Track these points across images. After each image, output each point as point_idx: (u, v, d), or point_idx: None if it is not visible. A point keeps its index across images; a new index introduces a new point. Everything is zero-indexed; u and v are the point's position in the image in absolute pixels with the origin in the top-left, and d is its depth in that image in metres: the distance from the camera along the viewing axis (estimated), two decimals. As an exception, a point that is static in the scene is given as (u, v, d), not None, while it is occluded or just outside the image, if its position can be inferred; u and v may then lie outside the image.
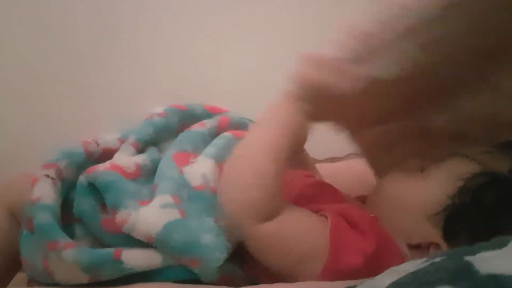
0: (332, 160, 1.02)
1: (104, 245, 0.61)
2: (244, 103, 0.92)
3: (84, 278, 0.57)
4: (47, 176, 0.62)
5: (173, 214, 0.59)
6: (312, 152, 0.88)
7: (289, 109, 0.63)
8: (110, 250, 0.58)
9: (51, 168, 0.63)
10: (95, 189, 0.61)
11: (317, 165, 0.87)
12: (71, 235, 0.62)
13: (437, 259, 0.42)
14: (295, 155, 0.65)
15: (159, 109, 0.77)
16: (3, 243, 0.66)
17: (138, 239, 0.58)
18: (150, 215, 0.58)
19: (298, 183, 0.71)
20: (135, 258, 0.58)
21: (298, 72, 0.63)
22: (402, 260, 0.59)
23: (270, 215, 0.57)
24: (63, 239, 0.58)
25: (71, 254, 0.56)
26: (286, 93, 0.64)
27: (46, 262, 0.58)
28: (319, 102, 0.63)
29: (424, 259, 0.44)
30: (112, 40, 1.04)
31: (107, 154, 0.70)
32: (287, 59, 1.01)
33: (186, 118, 0.78)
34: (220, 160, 0.67)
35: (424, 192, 0.62)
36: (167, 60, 1.04)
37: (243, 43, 1.03)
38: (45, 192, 0.61)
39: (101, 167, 0.63)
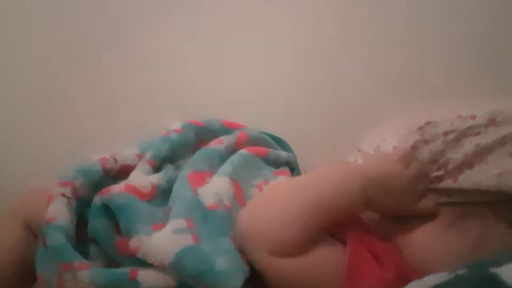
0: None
1: (119, 265, 0.60)
2: (260, 116, 0.93)
3: None
4: (63, 195, 0.62)
5: (186, 240, 0.57)
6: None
7: (356, 181, 0.61)
8: (126, 270, 0.58)
9: (67, 187, 0.63)
10: (110, 210, 0.61)
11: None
12: (86, 253, 0.62)
13: (461, 272, 0.40)
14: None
15: (176, 125, 0.77)
16: (18, 255, 0.66)
17: None
18: (162, 242, 0.57)
19: None
20: (151, 279, 0.57)
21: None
22: None
23: (294, 253, 0.56)
24: (78, 260, 0.58)
25: (87, 275, 0.56)
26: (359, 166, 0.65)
27: (61, 282, 0.58)
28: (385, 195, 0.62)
29: (448, 272, 0.42)
30: (129, 54, 1.03)
31: (125, 171, 0.69)
32: (303, 72, 1.06)
33: (203, 134, 0.77)
34: (235, 178, 0.67)
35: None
36: (184, 74, 1.02)
37: (259, 58, 1.02)
38: (60, 212, 0.61)
39: (116, 188, 0.62)
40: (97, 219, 0.61)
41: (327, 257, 0.58)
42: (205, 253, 0.57)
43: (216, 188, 0.64)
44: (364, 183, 0.60)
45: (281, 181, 0.73)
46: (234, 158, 0.71)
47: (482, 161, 0.61)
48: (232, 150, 0.75)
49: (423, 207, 0.63)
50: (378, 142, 0.68)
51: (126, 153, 0.73)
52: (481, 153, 0.61)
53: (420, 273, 0.56)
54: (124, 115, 1.02)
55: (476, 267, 0.40)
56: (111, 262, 0.61)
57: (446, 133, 0.62)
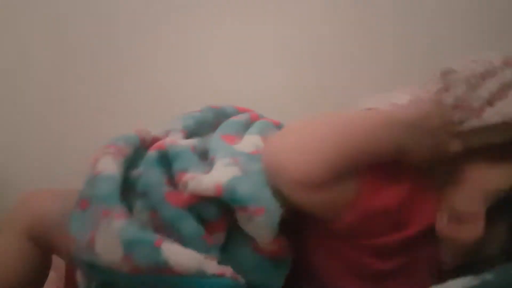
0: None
1: (160, 225, 0.62)
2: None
3: (119, 253, 0.58)
4: (108, 153, 0.65)
5: (236, 171, 0.62)
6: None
7: (390, 125, 0.60)
8: (155, 236, 0.60)
9: (110, 148, 0.66)
10: (164, 163, 0.64)
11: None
12: (130, 210, 0.64)
13: (488, 277, 0.43)
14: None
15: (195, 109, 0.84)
16: (16, 273, 0.66)
17: (189, 231, 0.61)
18: (214, 172, 0.61)
19: None
20: (174, 252, 0.59)
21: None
22: (433, 214, 0.61)
23: (321, 189, 0.58)
24: (119, 207, 0.60)
25: (119, 225, 0.58)
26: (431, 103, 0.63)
27: (93, 233, 0.60)
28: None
29: (473, 276, 0.45)
30: (134, 57, 1.08)
31: (155, 144, 0.72)
32: (309, 73, 1.07)
33: (220, 115, 0.84)
34: (264, 135, 0.72)
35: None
36: (189, 77, 1.09)
37: (264, 59, 1.08)
38: (108, 166, 0.63)
39: (168, 141, 0.67)
40: (151, 170, 0.64)
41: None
42: (255, 180, 0.61)
43: (252, 141, 0.70)
44: (398, 128, 0.60)
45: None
46: (257, 123, 0.78)
47: (503, 97, 0.61)
48: (250, 123, 0.80)
49: (454, 149, 0.61)
50: (391, 100, 0.67)
51: (156, 130, 0.77)
52: (503, 90, 0.61)
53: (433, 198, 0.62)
54: (129, 116, 1.08)
55: (503, 272, 0.42)
56: (150, 223, 0.63)
57: (467, 77, 0.62)
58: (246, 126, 0.79)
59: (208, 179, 0.61)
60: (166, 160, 0.65)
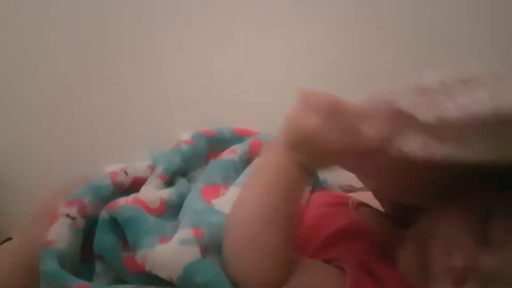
0: (350, 188, 0.96)
1: (126, 283, 0.57)
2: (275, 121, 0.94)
3: None
4: (67, 215, 0.59)
5: (193, 253, 0.54)
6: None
7: (281, 161, 0.53)
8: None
9: (73, 206, 0.60)
10: (117, 225, 0.58)
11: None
12: (93, 271, 0.59)
13: None
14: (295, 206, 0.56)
15: (186, 136, 0.74)
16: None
17: (162, 278, 0.54)
18: (168, 255, 0.54)
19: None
20: None
21: (289, 116, 0.54)
22: None
23: (285, 279, 0.52)
24: (75, 283, 0.54)
25: None
26: (277, 140, 0.55)
27: None
28: (314, 154, 0.53)
29: None
30: (143, 62, 1.03)
31: (137, 184, 0.66)
32: (318, 78, 1.05)
33: (214, 143, 0.74)
34: None
35: None
36: (195, 81, 1.03)
37: (272, 64, 1.02)
38: (61, 236, 0.57)
39: (123, 201, 0.60)
40: (104, 234, 0.58)
41: (322, 278, 0.53)
42: (214, 265, 0.53)
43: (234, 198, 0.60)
44: (286, 154, 0.52)
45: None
46: (250, 169, 0.67)
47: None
48: (246, 159, 0.71)
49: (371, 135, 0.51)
50: None
51: (138, 165, 0.70)
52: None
53: None
54: (137, 121, 1.03)
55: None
56: (119, 279, 0.58)
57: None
58: (240, 166, 0.69)
59: (160, 265, 0.54)
60: (119, 224, 0.58)
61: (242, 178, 0.65)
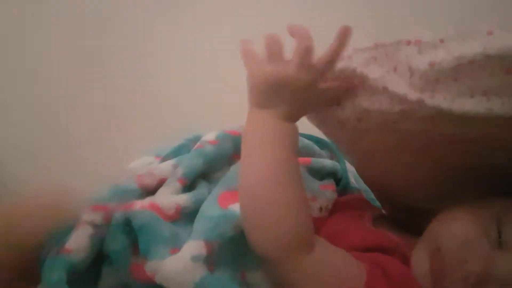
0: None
1: None
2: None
3: None
4: (91, 223, 0.58)
5: (204, 269, 0.53)
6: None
7: (267, 122, 0.56)
8: None
9: (98, 212, 0.60)
10: (131, 228, 0.57)
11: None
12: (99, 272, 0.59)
13: None
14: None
15: (211, 136, 0.73)
16: None
17: None
18: (180, 270, 0.53)
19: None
20: None
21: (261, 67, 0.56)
22: None
23: (309, 244, 0.52)
24: None
25: None
26: (254, 104, 0.57)
27: None
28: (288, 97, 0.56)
29: None
30: (150, 65, 1.04)
31: (161, 185, 0.66)
32: None
33: (240, 143, 0.73)
34: None
35: None
36: (206, 82, 1.03)
37: None
38: (80, 246, 0.57)
39: (139, 204, 0.60)
40: (116, 236, 0.57)
41: (345, 261, 0.53)
42: (226, 279, 0.53)
43: None
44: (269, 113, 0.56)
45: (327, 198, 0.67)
46: None
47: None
48: None
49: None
50: None
51: (164, 165, 0.70)
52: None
53: None
54: (140, 122, 1.03)
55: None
56: (122, 284, 0.58)
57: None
58: None
59: (174, 276, 0.53)
60: (132, 227, 0.58)
61: None
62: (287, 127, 0.57)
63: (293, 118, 0.58)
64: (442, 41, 0.49)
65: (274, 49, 0.55)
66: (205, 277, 0.53)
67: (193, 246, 0.54)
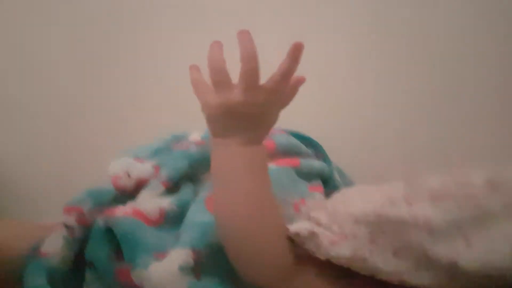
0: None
1: None
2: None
3: None
4: (65, 225, 0.56)
5: (191, 277, 0.52)
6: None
7: (234, 152, 0.53)
8: None
9: (72, 213, 0.57)
10: (113, 235, 0.55)
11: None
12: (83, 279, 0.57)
13: None
14: None
15: (197, 136, 0.70)
16: None
17: None
18: (168, 280, 0.51)
19: None
20: None
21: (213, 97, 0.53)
22: None
23: (288, 275, 0.52)
24: None
25: None
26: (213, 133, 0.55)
27: None
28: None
29: None
30: (157, 64, 1.01)
31: (141, 187, 0.64)
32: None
33: None
34: None
35: None
36: None
37: None
38: (56, 249, 0.55)
39: (121, 211, 0.57)
40: (98, 243, 0.56)
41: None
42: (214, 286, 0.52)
43: None
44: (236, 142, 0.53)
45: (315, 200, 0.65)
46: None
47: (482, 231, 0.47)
48: None
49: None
50: None
51: (142, 166, 0.66)
52: (482, 221, 0.47)
53: None
54: (138, 124, 1.01)
55: None
56: None
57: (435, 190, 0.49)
58: None
59: (162, 284, 0.51)
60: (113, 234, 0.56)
61: None
62: (253, 151, 0.54)
63: (257, 140, 0.54)
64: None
65: (218, 78, 0.51)
66: (193, 285, 0.51)
67: (181, 255, 0.53)
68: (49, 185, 0.98)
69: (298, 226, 0.53)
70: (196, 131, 0.73)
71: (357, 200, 0.54)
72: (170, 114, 0.98)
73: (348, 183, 0.79)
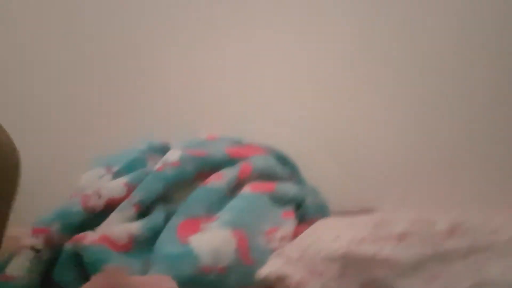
0: (344, 213, 0.94)
1: None
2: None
3: None
4: (32, 248, 0.56)
5: None
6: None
7: None
8: None
9: (40, 235, 0.57)
10: (81, 259, 0.55)
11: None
12: None
13: None
14: None
15: (174, 157, 0.69)
16: None
17: None
18: None
19: None
20: None
21: None
22: None
23: None
24: None
25: None
26: None
27: None
28: None
29: None
30: (150, 64, 1.00)
31: (111, 206, 0.63)
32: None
33: (204, 165, 0.69)
34: (238, 227, 0.59)
35: None
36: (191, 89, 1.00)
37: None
38: (22, 272, 0.55)
39: (90, 238, 0.56)
40: (66, 267, 0.56)
41: None
42: None
43: (216, 242, 0.57)
44: None
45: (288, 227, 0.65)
46: (237, 202, 0.64)
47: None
48: (234, 185, 0.67)
49: None
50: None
51: (114, 184, 0.66)
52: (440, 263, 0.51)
53: None
54: (136, 126, 0.98)
55: None
56: None
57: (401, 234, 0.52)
58: (227, 195, 0.65)
59: None
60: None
61: (226, 215, 0.61)
62: None
63: None
64: None
65: None
66: None
67: None
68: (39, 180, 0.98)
69: (267, 270, 0.53)
70: (175, 148, 0.72)
71: (327, 237, 0.55)
72: (163, 115, 0.98)
73: (322, 204, 0.78)
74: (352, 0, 0.96)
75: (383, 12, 0.96)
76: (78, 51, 0.99)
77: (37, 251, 0.56)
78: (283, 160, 0.78)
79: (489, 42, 0.95)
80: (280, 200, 0.70)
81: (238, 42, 0.98)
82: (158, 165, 0.68)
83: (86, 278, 0.54)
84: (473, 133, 0.95)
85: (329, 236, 0.55)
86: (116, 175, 0.69)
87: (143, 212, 0.63)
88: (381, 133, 0.96)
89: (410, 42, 0.96)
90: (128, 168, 0.70)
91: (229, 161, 0.71)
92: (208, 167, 0.69)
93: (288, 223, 0.67)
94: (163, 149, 0.74)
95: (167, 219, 0.62)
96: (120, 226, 0.59)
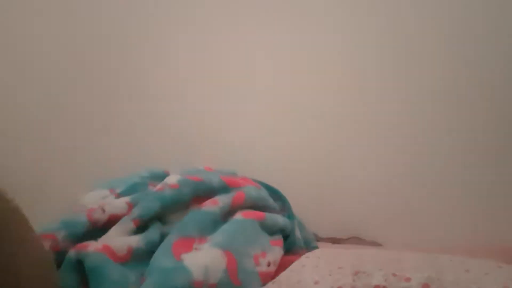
0: (333, 240, 0.98)
1: None
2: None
3: None
4: None
5: None
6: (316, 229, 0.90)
7: None
8: None
9: (47, 240, 0.61)
10: (83, 267, 0.59)
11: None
12: None
13: None
14: None
15: (173, 180, 0.74)
16: None
17: None
18: None
19: None
20: None
21: None
22: None
23: None
24: None
25: None
26: None
27: None
28: None
29: None
30: (143, 71, 1.07)
31: (113, 221, 0.68)
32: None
33: (200, 190, 0.74)
34: (228, 248, 0.63)
35: None
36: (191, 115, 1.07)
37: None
38: None
39: (93, 246, 0.60)
40: (68, 273, 0.59)
41: None
42: None
43: (207, 260, 0.60)
44: None
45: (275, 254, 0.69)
46: (229, 226, 0.68)
47: None
48: (227, 211, 0.72)
49: None
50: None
51: (117, 202, 0.71)
52: None
53: None
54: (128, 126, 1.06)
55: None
56: None
57: (377, 287, 0.57)
58: (220, 219, 0.70)
59: None
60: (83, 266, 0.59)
61: (218, 236, 0.65)
62: None
63: None
64: None
65: None
66: None
67: None
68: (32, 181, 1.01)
69: None
70: (174, 174, 0.77)
71: (309, 281, 0.59)
72: (155, 123, 1.04)
73: (309, 238, 0.84)
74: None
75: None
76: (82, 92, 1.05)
77: None
78: (274, 194, 0.84)
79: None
80: (269, 229, 0.74)
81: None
82: (158, 186, 0.74)
83: (86, 284, 0.58)
84: (459, 161, 0.98)
85: (311, 279, 0.59)
86: (120, 196, 0.74)
87: (141, 227, 0.67)
88: (365, 161, 1.00)
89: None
90: (130, 190, 0.75)
91: (224, 188, 0.77)
92: (204, 192, 0.75)
93: (276, 251, 0.71)
94: (164, 177, 0.79)
95: (163, 236, 0.66)
96: (120, 238, 0.64)
